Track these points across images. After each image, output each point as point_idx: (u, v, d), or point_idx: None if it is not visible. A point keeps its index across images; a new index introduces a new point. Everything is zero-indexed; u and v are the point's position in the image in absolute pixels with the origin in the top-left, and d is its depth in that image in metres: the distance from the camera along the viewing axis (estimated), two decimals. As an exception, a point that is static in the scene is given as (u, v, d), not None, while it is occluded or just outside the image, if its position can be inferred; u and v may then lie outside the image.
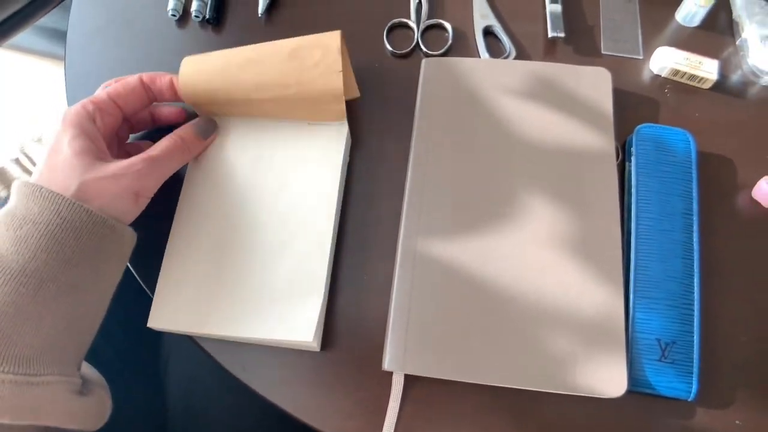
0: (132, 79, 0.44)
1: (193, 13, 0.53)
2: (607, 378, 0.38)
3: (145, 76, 0.44)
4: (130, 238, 0.39)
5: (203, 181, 0.45)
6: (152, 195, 0.41)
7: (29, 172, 1.03)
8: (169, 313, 0.41)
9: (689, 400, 0.39)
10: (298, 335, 0.39)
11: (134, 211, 0.40)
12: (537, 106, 0.46)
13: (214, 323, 0.40)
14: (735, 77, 0.50)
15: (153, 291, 0.42)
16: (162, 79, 0.44)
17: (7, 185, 1.00)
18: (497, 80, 0.47)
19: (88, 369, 0.39)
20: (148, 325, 0.41)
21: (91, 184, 0.37)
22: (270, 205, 0.43)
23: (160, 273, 0.42)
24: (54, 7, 0.81)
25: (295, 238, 0.42)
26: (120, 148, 0.45)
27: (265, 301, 0.41)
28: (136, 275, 0.44)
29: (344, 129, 0.45)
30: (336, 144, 0.45)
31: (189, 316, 0.41)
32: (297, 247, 0.42)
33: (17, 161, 1.03)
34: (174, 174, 0.43)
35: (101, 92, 0.42)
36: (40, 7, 0.79)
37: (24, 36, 0.83)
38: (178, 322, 0.41)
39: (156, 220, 0.42)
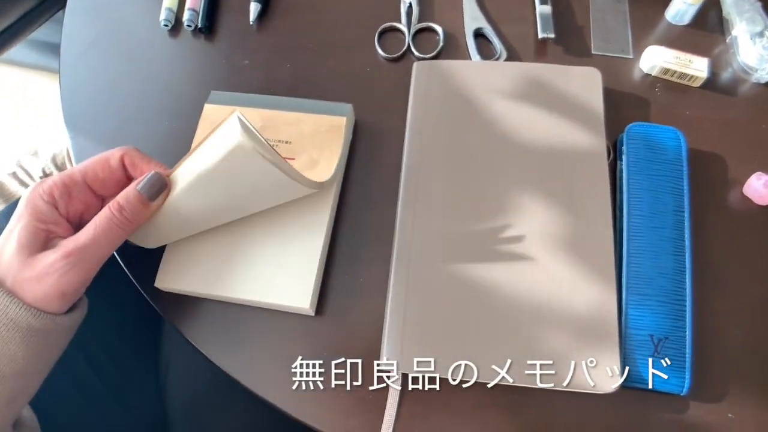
0: (113, 161, 0.39)
1: (185, 23, 0.54)
2: (601, 374, 0.38)
3: (128, 159, 0.40)
4: (68, 328, 0.38)
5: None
6: (83, 290, 0.38)
7: (26, 185, 1.03)
8: (176, 273, 0.43)
9: (682, 394, 0.39)
10: (296, 301, 0.41)
11: (63, 307, 0.36)
12: (528, 107, 0.46)
13: (219, 285, 0.42)
14: (725, 75, 0.51)
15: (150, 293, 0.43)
16: (146, 167, 0.40)
17: (6, 198, 1.00)
18: (488, 82, 0.47)
19: (24, 411, 0.39)
20: (155, 284, 0.43)
21: (22, 284, 0.35)
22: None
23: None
24: (46, 21, 0.82)
25: (293, 222, 0.44)
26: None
27: (266, 269, 0.43)
28: (134, 280, 0.44)
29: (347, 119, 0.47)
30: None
31: (194, 278, 0.43)
32: (295, 232, 0.44)
33: (14, 175, 1.03)
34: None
35: (76, 172, 0.38)
36: (32, 21, 0.80)
37: (16, 49, 0.83)
38: (184, 282, 0.42)
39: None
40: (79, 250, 0.36)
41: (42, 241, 0.36)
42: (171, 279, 0.43)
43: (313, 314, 0.43)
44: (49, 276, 0.35)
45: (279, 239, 0.43)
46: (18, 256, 0.35)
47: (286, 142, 0.46)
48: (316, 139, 0.46)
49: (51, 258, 0.35)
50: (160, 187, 0.39)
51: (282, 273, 0.42)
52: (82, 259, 0.36)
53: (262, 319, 0.43)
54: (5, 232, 0.36)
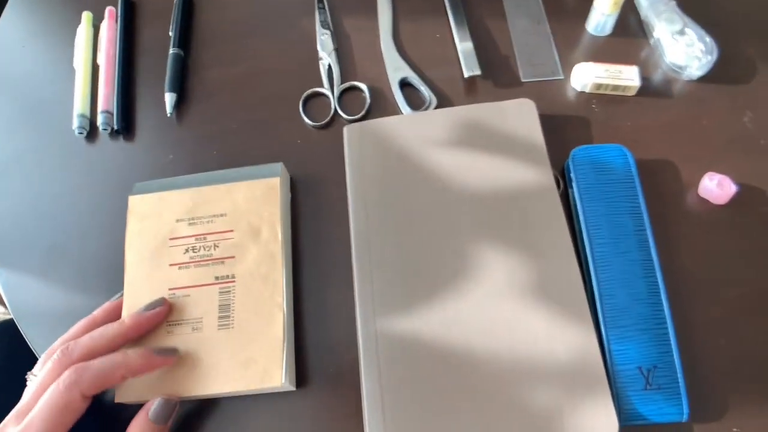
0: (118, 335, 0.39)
1: (101, 126, 0.51)
2: (597, 420, 0.36)
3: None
4: None
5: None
6: None
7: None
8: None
9: (683, 421, 0.38)
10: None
11: None
12: (468, 153, 0.45)
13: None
14: (657, 77, 0.50)
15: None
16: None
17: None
18: (422, 134, 0.46)
19: None
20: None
21: None
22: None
23: None
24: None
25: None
26: None
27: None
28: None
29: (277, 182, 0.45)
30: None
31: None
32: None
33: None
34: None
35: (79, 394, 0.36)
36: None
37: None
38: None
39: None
40: None
41: None
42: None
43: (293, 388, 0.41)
44: None
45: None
46: None
47: (221, 215, 0.43)
48: (252, 206, 0.44)
49: None
50: (171, 407, 0.39)
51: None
52: None
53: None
54: None
